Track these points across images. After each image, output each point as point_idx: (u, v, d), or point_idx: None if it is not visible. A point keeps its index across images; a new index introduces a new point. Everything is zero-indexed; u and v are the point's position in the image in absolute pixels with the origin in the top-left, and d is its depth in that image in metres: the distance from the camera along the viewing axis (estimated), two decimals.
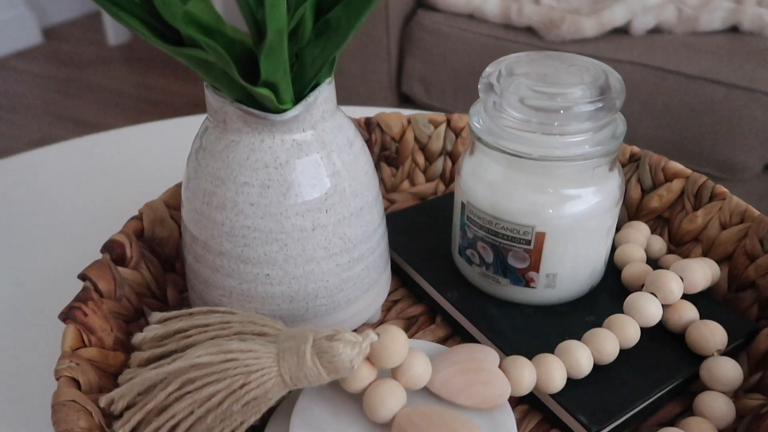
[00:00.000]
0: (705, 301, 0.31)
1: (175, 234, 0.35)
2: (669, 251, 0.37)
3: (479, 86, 0.30)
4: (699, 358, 0.29)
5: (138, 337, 0.28)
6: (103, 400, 0.24)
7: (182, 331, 0.27)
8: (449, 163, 0.45)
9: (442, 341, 0.33)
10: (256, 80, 0.24)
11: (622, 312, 0.30)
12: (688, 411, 0.29)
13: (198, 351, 0.24)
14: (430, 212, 0.40)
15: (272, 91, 0.24)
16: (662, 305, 0.29)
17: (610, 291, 0.33)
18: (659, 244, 0.36)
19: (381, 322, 0.34)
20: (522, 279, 0.31)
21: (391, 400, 0.24)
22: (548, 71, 0.29)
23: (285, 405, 0.27)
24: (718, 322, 0.29)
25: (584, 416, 0.26)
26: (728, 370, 0.27)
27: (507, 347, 0.30)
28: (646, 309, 0.29)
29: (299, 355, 0.23)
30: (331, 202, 0.28)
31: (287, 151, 0.26)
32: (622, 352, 0.29)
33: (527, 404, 0.29)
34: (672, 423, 0.28)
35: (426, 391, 0.25)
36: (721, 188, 0.36)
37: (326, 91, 0.27)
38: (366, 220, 0.29)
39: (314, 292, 0.29)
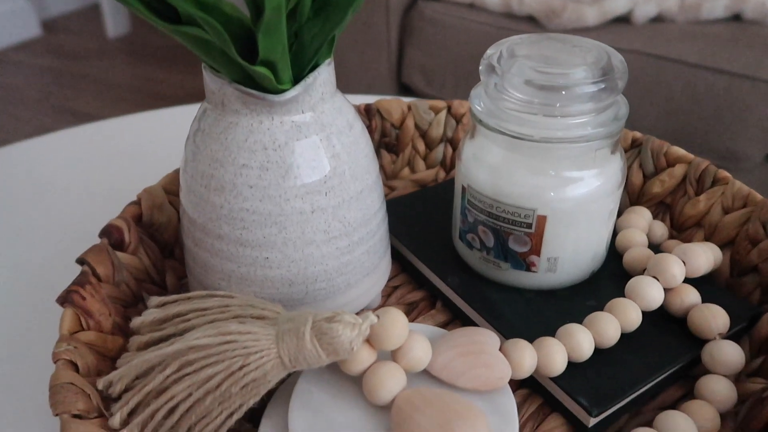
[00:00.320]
0: (707, 286, 0.31)
1: (173, 219, 0.35)
2: (671, 237, 0.37)
3: (480, 68, 0.29)
4: (701, 342, 0.29)
5: (136, 321, 0.27)
6: (101, 383, 0.24)
7: (181, 315, 0.27)
8: (450, 150, 0.45)
9: (443, 326, 0.33)
10: (255, 60, 0.24)
11: (623, 296, 0.29)
12: (690, 395, 0.29)
13: (196, 333, 0.24)
14: (430, 198, 0.39)
15: (270, 71, 0.24)
16: (664, 289, 0.29)
17: (612, 275, 0.33)
18: (661, 229, 0.36)
19: (381, 308, 0.34)
20: (523, 263, 0.31)
21: (390, 382, 0.23)
22: (550, 53, 0.29)
23: (284, 388, 0.27)
24: (720, 306, 0.29)
25: (585, 399, 0.26)
26: (730, 354, 0.27)
27: (507, 331, 0.29)
28: (648, 292, 0.29)
29: (298, 337, 0.23)
30: (330, 184, 0.27)
31: (286, 133, 0.26)
32: (624, 335, 0.28)
33: (528, 388, 0.29)
34: (673, 406, 0.28)
35: (426, 374, 0.25)
36: (724, 173, 0.35)
37: (325, 73, 0.27)
38: (366, 204, 0.29)
39: (313, 275, 0.28)
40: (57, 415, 0.23)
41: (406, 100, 0.45)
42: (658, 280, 0.29)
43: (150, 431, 0.24)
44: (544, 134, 0.27)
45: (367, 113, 0.44)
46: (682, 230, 0.37)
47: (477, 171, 0.30)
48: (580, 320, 0.28)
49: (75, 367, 0.25)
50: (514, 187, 0.29)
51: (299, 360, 0.23)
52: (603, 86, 0.27)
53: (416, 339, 0.24)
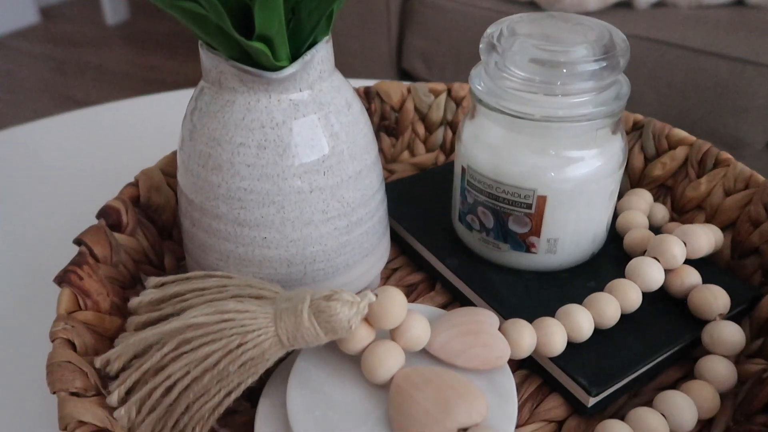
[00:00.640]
0: (708, 268, 0.31)
1: (171, 201, 0.35)
2: (672, 220, 0.37)
3: (481, 46, 0.29)
4: (701, 324, 0.29)
5: (134, 302, 0.27)
6: (98, 361, 0.24)
7: (179, 295, 0.27)
8: (450, 133, 0.45)
9: (442, 308, 0.33)
10: (251, 36, 0.24)
11: (624, 278, 0.29)
12: (689, 376, 0.29)
13: (194, 312, 0.24)
14: (429, 181, 0.39)
15: (267, 47, 0.24)
16: (665, 270, 0.29)
17: (612, 257, 0.33)
18: (662, 212, 0.36)
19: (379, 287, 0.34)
20: (523, 244, 0.31)
21: (389, 360, 0.23)
22: (551, 31, 0.29)
23: (283, 368, 0.27)
24: (720, 287, 0.29)
25: (584, 379, 0.26)
26: (730, 334, 0.27)
27: (507, 312, 0.29)
28: (648, 273, 0.28)
29: (296, 315, 0.23)
30: (329, 164, 0.27)
31: (284, 112, 0.26)
32: (624, 316, 0.28)
33: (527, 369, 0.29)
34: (673, 387, 0.28)
35: (425, 353, 0.25)
36: (726, 155, 0.35)
37: (323, 50, 0.26)
38: (365, 184, 0.29)
39: (312, 256, 0.28)
40: (54, 393, 0.23)
41: (406, 83, 0.45)
42: (658, 261, 0.29)
43: (148, 409, 0.24)
44: (544, 113, 0.27)
45: (367, 96, 0.44)
46: (683, 213, 0.37)
47: (477, 151, 0.30)
48: (580, 302, 0.28)
49: (72, 346, 0.25)
50: (514, 167, 0.29)
51: (297, 338, 0.23)
52: (604, 64, 0.27)
53: (415, 318, 0.24)
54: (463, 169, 0.31)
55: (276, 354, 0.23)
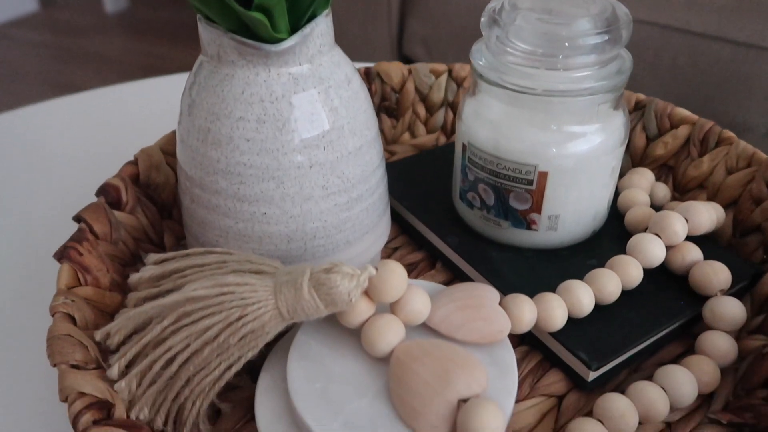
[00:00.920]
0: (709, 245, 0.31)
1: (171, 180, 0.35)
2: (673, 199, 0.37)
3: (482, 20, 0.29)
4: (702, 300, 0.29)
5: (134, 278, 0.27)
6: (98, 334, 0.24)
7: (178, 271, 0.27)
8: (450, 114, 0.45)
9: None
10: (250, 8, 0.23)
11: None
12: (690, 352, 0.29)
13: (194, 285, 0.24)
14: (430, 161, 0.39)
15: (266, 17, 0.23)
16: (666, 246, 0.29)
17: (613, 235, 0.32)
18: (663, 191, 0.36)
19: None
20: (523, 221, 0.30)
21: (389, 333, 0.23)
22: (553, 4, 0.28)
23: (283, 343, 0.27)
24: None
25: (584, 353, 0.26)
26: (731, 309, 0.27)
27: (507, 290, 0.29)
28: (650, 249, 0.28)
29: (296, 288, 0.23)
30: (328, 139, 0.27)
31: (283, 86, 0.26)
32: (624, 293, 0.28)
33: (528, 345, 0.29)
34: (674, 363, 0.28)
35: (425, 327, 0.25)
36: (728, 133, 0.35)
37: (323, 24, 0.26)
38: (365, 160, 0.29)
39: (312, 232, 0.28)
40: (55, 365, 0.23)
41: (407, 64, 0.45)
42: (659, 237, 0.29)
43: (148, 382, 0.24)
44: (546, 87, 0.27)
45: (367, 77, 0.44)
46: (684, 192, 0.37)
47: (477, 128, 0.30)
48: (580, 279, 0.28)
49: (72, 320, 0.25)
50: (515, 143, 0.29)
51: (297, 311, 0.23)
52: (607, 37, 0.27)
53: (415, 292, 0.24)
54: (464, 146, 0.31)
55: (276, 327, 0.23)
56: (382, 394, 0.23)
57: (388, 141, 0.45)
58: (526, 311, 0.25)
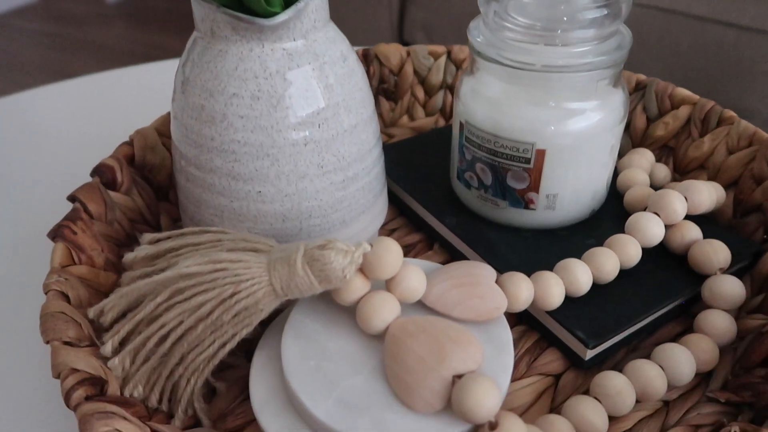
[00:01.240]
0: (709, 225, 0.31)
1: (167, 162, 0.35)
2: (673, 180, 0.36)
3: None
4: (701, 279, 0.28)
5: (129, 257, 0.27)
6: (91, 311, 0.24)
7: (173, 251, 0.27)
8: (449, 97, 0.44)
9: None
10: None
11: None
12: (689, 332, 0.28)
13: (187, 261, 0.24)
14: (428, 143, 0.39)
15: None
16: (665, 225, 0.29)
17: (612, 215, 0.32)
18: (663, 171, 0.35)
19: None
20: (521, 200, 0.30)
21: (384, 310, 0.23)
22: None
23: (278, 322, 0.27)
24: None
25: (582, 331, 0.26)
26: (730, 287, 0.27)
27: (505, 269, 0.29)
28: (649, 228, 0.28)
29: (290, 264, 0.22)
30: (324, 116, 0.27)
31: (277, 61, 0.25)
32: (623, 272, 0.28)
33: (525, 325, 0.29)
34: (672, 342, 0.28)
35: (420, 305, 0.25)
36: (730, 112, 0.34)
37: None
38: (361, 139, 0.28)
39: (308, 211, 0.28)
40: (48, 342, 0.23)
41: (405, 47, 0.44)
42: (659, 215, 0.29)
43: (142, 359, 0.23)
44: (545, 62, 0.26)
45: (365, 59, 0.44)
46: (685, 173, 0.36)
47: (475, 106, 0.29)
48: (578, 258, 0.28)
49: (66, 298, 0.25)
50: (513, 120, 0.28)
51: (291, 288, 0.23)
52: (606, 12, 0.26)
53: (411, 269, 0.24)
54: (462, 125, 0.31)
55: (270, 304, 0.23)
56: (377, 371, 0.23)
57: (387, 124, 0.44)
58: (522, 289, 0.25)
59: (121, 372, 0.23)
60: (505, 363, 0.23)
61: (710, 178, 0.35)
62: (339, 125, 0.27)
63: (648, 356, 0.26)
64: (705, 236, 0.29)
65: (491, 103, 0.29)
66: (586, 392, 0.25)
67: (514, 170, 0.29)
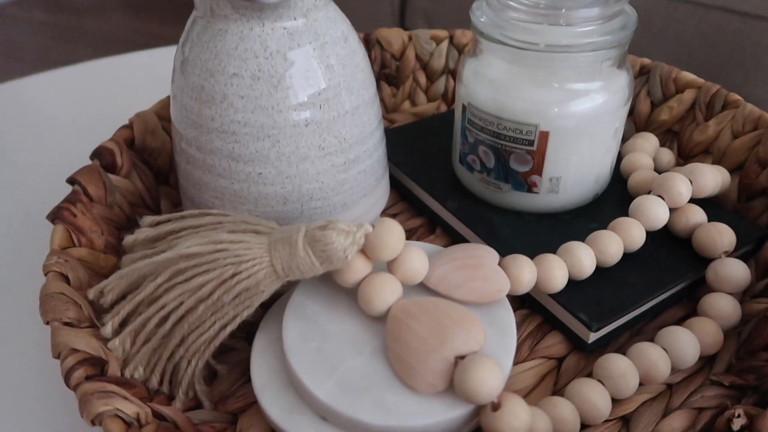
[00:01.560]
0: (713, 209, 0.30)
1: (167, 146, 0.34)
2: (677, 165, 0.36)
3: None
4: (705, 262, 0.28)
5: (129, 239, 0.27)
6: (91, 292, 0.24)
7: (174, 233, 0.26)
8: (452, 82, 0.44)
9: None
10: None
11: None
12: (693, 316, 0.28)
13: (188, 242, 0.23)
14: (430, 128, 0.38)
15: None
16: (669, 208, 0.28)
17: (616, 199, 0.32)
18: (668, 156, 0.35)
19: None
20: (524, 184, 0.30)
21: (386, 292, 0.23)
22: None
23: (279, 304, 0.26)
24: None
25: (585, 314, 0.25)
26: (735, 270, 0.27)
27: (507, 253, 0.29)
28: (653, 211, 0.28)
29: (291, 245, 0.22)
30: (325, 97, 0.26)
31: (278, 41, 0.25)
32: (627, 255, 0.28)
33: (528, 308, 0.29)
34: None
35: (422, 287, 0.25)
36: (735, 96, 0.34)
37: None
38: (362, 120, 0.28)
39: (309, 193, 0.28)
40: (47, 323, 0.22)
41: (407, 31, 0.44)
42: (663, 198, 0.28)
43: (142, 341, 0.23)
44: (549, 42, 0.26)
45: (367, 43, 0.43)
46: (689, 158, 0.36)
47: (478, 88, 0.29)
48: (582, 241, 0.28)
49: (66, 279, 0.25)
50: (516, 102, 0.28)
51: (292, 269, 0.22)
52: None
53: (413, 250, 0.24)
54: (464, 108, 0.30)
55: (271, 285, 0.23)
56: (378, 352, 0.23)
57: (388, 109, 0.44)
58: (525, 271, 0.25)
59: (121, 353, 0.23)
60: (507, 344, 0.23)
61: (715, 163, 0.34)
62: (340, 106, 0.27)
63: (652, 340, 0.26)
64: (710, 220, 0.29)
65: (494, 84, 0.29)
66: (590, 375, 0.25)
67: (517, 153, 0.29)
